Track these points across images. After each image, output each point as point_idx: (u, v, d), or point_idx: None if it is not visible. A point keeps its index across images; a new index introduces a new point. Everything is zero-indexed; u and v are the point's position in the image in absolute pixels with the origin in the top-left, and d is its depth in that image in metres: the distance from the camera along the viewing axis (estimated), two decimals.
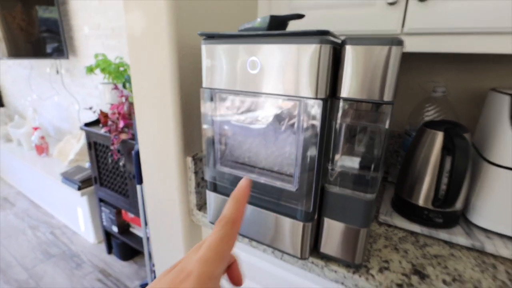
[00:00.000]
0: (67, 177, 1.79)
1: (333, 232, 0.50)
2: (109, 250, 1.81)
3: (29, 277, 1.61)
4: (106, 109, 1.48)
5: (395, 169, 0.86)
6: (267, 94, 0.47)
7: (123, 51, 1.71)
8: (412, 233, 0.62)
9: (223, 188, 0.59)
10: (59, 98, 2.40)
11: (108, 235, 1.77)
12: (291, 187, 0.49)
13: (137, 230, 1.68)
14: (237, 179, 0.55)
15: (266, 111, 0.49)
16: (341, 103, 0.44)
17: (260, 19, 0.48)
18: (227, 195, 0.58)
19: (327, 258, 0.53)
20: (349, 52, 0.41)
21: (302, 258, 0.52)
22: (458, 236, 0.58)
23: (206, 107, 0.55)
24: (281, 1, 0.73)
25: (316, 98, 0.42)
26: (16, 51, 2.28)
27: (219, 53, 0.50)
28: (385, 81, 0.40)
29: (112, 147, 1.36)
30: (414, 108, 0.77)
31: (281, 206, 0.52)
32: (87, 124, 1.57)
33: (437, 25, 0.57)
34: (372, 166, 0.44)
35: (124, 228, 1.69)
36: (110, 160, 1.51)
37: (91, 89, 2.08)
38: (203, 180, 0.69)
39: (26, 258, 1.76)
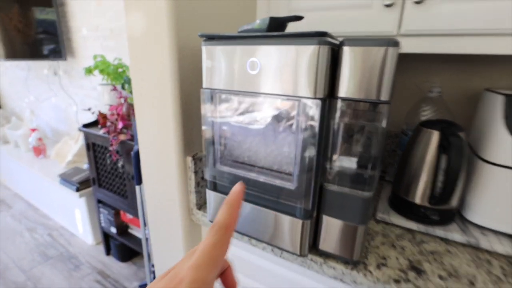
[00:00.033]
0: (65, 179, 1.79)
1: (332, 229, 0.51)
2: (108, 252, 1.81)
3: (27, 279, 1.61)
4: (105, 110, 1.49)
5: (392, 168, 0.87)
6: (267, 94, 0.48)
7: (121, 52, 1.71)
8: (409, 230, 0.63)
9: (223, 187, 0.59)
10: (56, 99, 2.39)
11: (106, 236, 1.77)
12: (290, 185, 0.50)
13: (136, 231, 1.67)
14: (237, 178, 0.56)
15: (266, 111, 0.50)
16: (339, 103, 0.45)
17: (259, 21, 0.49)
18: (227, 194, 0.59)
19: (325, 255, 0.53)
20: (347, 53, 0.42)
21: (301, 255, 0.53)
22: (453, 233, 0.59)
23: (206, 107, 0.55)
24: (280, 3, 0.74)
25: (315, 98, 0.43)
26: (13, 53, 2.27)
27: (219, 54, 0.50)
28: (382, 81, 0.41)
29: (111, 148, 1.36)
30: (411, 108, 0.79)
31: (280, 204, 0.53)
32: (85, 125, 1.57)
33: (433, 26, 0.58)
34: (370, 165, 0.45)
35: (123, 229, 1.68)
36: (108, 161, 1.51)
37: (89, 90, 2.08)
38: (202, 179, 0.70)
39: (24, 260, 1.75)
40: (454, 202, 0.60)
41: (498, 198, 0.58)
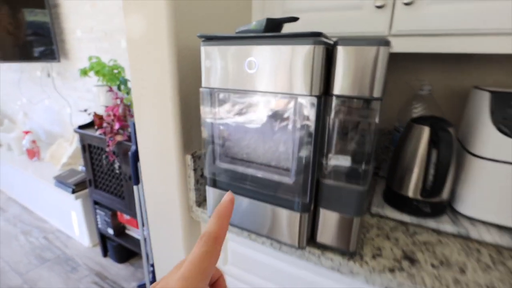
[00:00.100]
0: (60, 181, 1.78)
1: (329, 221, 0.53)
2: (105, 253, 1.80)
3: (24, 282, 1.60)
4: (100, 111, 1.49)
5: (386, 164, 0.89)
6: (264, 92, 0.50)
7: (115, 54, 1.71)
8: (402, 222, 0.65)
9: (222, 184, 0.61)
10: (50, 101, 2.38)
11: (103, 238, 1.76)
12: (288, 180, 0.52)
13: (133, 232, 1.68)
14: (236, 174, 0.58)
15: (263, 109, 0.52)
16: (334, 100, 0.47)
17: (255, 22, 0.51)
18: (226, 190, 0.61)
19: (323, 247, 0.55)
20: (341, 52, 0.44)
21: (300, 247, 0.55)
22: (445, 224, 0.62)
23: (205, 106, 0.57)
24: (275, 4, 0.76)
25: (311, 95, 0.45)
26: (3, 55, 2.24)
27: (218, 54, 0.52)
28: (374, 78, 0.43)
29: (107, 149, 1.37)
30: (403, 106, 0.81)
31: (278, 199, 0.54)
32: (81, 127, 1.57)
33: (422, 27, 0.61)
34: (364, 159, 0.48)
35: (120, 230, 1.68)
36: (105, 162, 1.51)
37: (83, 92, 2.07)
38: (202, 177, 0.72)
39: (20, 264, 1.74)
40: (445, 195, 0.63)
41: (486, 190, 0.61)
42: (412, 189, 0.64)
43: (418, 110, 0.77)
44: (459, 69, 0.80)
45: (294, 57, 0.45)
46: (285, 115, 0.50)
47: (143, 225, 1.22)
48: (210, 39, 0.53)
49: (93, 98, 1.97)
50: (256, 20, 0.55)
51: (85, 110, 1.60)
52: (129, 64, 0.67)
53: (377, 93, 0.44)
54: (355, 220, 0.50)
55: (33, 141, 2.23)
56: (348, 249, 0.52)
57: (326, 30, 0.50)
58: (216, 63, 0.53)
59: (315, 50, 0.44)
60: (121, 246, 1.69)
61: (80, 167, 1.89)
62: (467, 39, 0.58)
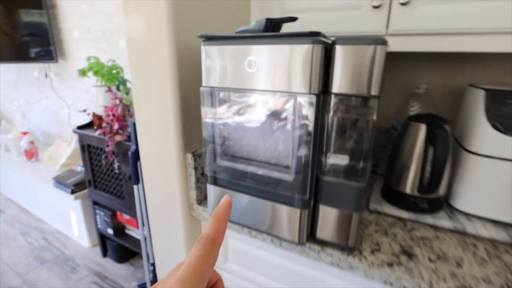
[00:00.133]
0: (59, 181, 1.78)
1: (328, 217, 0.54)
2: (104, 253, 1.80)
3: (23, 283, 1.60)
4: (99, 111, 1.49)
5: (384, 162, 0.91)
6: (264, 90, 0.51)
7: (113, 54, 1.71)
8: (400, 218, 0.66)
9: (223, 181, 0.62)
10: (47, 102, 2.37)
11: (103, 238, 1.77)
12: (288, 177, 0.53)
13: (133, 232, 1.68)
14: (237, 171, 0.59)
15: (263, 108, 0.53)
16: (332, 98, 0.48)
17: (255, 22, 0.52)
18: (227, 187, 0.62)
19: (323, 243, 0.56)
20: (339, 51, 0.45)
21: (300, 243, 0.56)
22: (442, 220, 0.63)
23: (205, 105, 0.58)
24: (273, 4, 0.76)
25: (310, 94, 0.46)
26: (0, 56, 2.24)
27: (218, 54, 0.53)
28: (372, 77, 0.44)
29: (106, 149, 1.37)
30: (400, 104, 0.83)
31: (278, 196, 0.55)
32: (80, 127, 1.57)
33: (419, 26, 0.62)
34: (362, 157, 0.49)
35: (120, 230, 1.69)
36: (104, 162, 1.51)
37: (81, 92, 2.07)
38: (202, 175, 0.72)
39: (19, 265, 1.74)
40: (442, 191, 0.64)
41: (482, 186, 0.62)
42: (409, 185, 0.66)
43: (415, 108, 0.78)
44: (455, 68, 0.81)
45: (293, 56, 0.46)
46: (285, 114, 0.51)
47: (143, 224, 1.23)
48: (210, 39, 0.54)
49: (92, 99, 1.97)
50: (255, 20, 0.56)
51: (84, 111, 1.60)
52: (129, 64, 0.68)
53: (374, 91, 0.44)
54: (354, 216, 0.51)
55: (31, 142, 2.23)
56: (348, 244, 0.53)
57: (325, 29, 0.51)
58: (216, 63, 0.54)
59: (314, 49, 0.44)
60: (120, 246, 1.69)
61: (79, 167, 1.89)
62: (462, 38, 0.59)
